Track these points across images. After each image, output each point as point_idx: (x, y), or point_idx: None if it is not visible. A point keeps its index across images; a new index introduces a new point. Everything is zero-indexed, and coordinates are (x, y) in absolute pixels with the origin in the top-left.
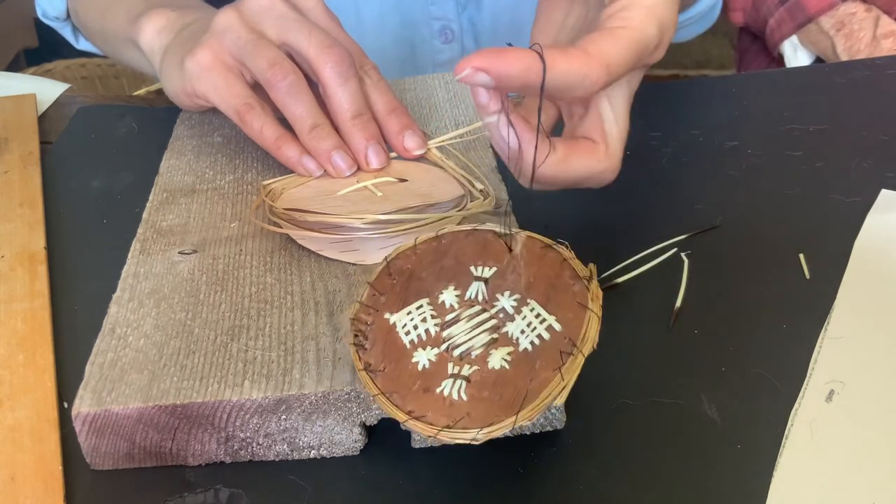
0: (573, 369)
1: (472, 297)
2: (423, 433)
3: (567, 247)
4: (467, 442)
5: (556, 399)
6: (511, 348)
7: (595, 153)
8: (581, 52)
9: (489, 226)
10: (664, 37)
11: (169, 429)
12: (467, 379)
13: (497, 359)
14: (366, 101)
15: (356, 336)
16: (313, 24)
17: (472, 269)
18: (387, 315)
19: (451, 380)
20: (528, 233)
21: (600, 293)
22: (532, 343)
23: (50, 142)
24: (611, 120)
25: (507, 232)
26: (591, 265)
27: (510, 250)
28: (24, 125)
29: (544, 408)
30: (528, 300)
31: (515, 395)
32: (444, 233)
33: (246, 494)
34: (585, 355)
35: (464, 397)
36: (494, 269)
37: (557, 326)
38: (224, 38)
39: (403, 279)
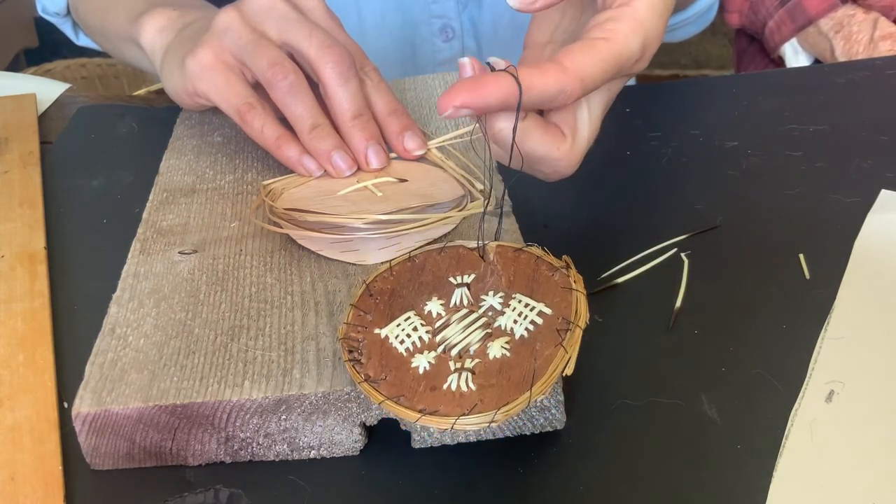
0: (574, 342)
1: (457, 302)
2: (439, 427)
3: (538, 246)
4: (486, 426)
5: (565, 370)
6: (508, 337)
7: (558, 141)
8: (557, 69)
9: (459, 242)
10: (647, 51)
11: (169, 429)
12: (472, 371)
13: (497, 348)
14: (366, 102)
15: (350, 352)
16: (314, 25)
17: (451, 279)
18: (377, 330)
19: (455, 374)
20: (497, 242)
21: (580, 277)
22: (527, 329)
23: (50, 141)
24: (584, 120)
25: (479, 243)
26: (566, 256)
27: (483, 259)
28: (24, 125)
29: (555, 380)
30: (514, 294)
31: (522, 375)
32: (417, 253)
33: (246, 494)
34: (582, 328)
35: (472, 387)
36: (473, 275)
37: (548, 311)
38: (225, 38)
39: (385, 297)
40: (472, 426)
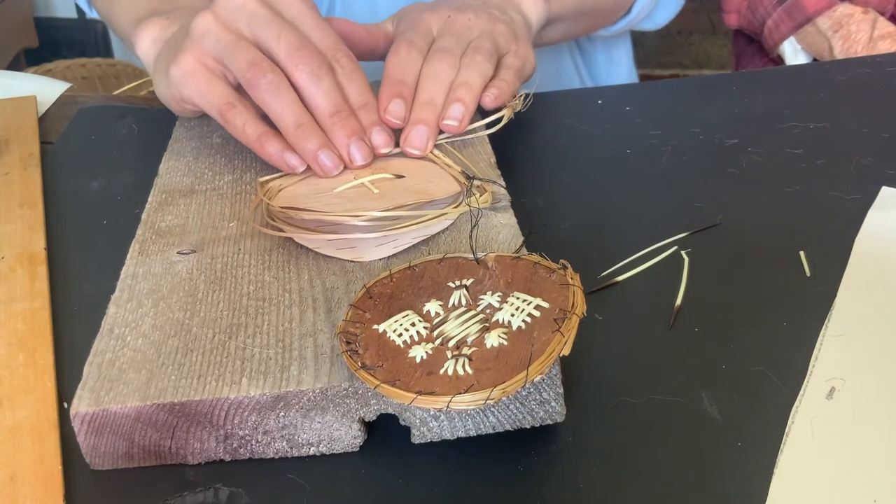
0: (571, 327)
1: (456, 303)
2: (434, 406)
3: (537, 254)
4: (482, 403)
5: (563, 351)
6: (505, 329)
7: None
8: None
9: (458, 254)
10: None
11: (168, 427)
12: (469, 357)
13: (494, 337)
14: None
15: (348, 344)
16: (283, 24)
17: (450, 284)
18: (375, 326)
19: (452, 360)
20: (495, 253)
21: (577, 275)
22: (524, 321)
23: (50, 142)
24: None
25: (476, 256)
26: (563, 261)
27: (478, 262)
28: (25, 127)
29: (552, 361)
30: (512, 292)
31: (519, 359)
32: (417, 263)
33: (246, 493)
34: (580, 316)
35: (469, 371)
36: (471, 280)
37: (545, 304)
38: (203, 42)
39: (385, 299)
40: (467, 404)
